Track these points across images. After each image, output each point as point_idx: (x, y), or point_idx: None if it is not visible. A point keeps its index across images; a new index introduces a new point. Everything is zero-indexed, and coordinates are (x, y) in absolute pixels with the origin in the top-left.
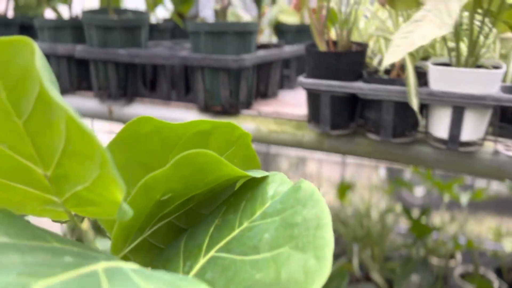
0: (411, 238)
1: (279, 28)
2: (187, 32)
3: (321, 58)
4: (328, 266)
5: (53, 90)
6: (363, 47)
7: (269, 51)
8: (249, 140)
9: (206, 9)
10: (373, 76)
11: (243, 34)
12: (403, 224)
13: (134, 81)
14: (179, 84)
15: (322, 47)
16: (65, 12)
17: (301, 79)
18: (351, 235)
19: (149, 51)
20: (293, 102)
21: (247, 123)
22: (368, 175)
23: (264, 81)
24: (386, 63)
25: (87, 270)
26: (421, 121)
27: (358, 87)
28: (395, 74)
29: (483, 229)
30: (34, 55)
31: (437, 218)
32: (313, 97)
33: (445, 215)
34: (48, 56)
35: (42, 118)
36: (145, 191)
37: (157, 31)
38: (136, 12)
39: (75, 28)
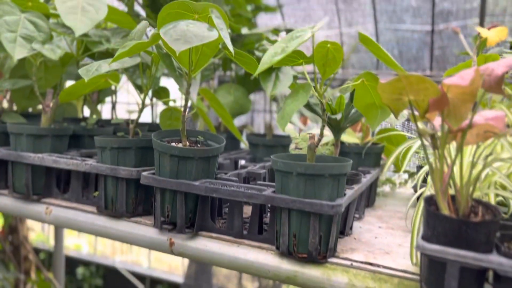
0: None
1: (341, 149)
2: (236, 142)
3: (447, 224)
4: None
5: None
6: (494, 213)
7: (352, 189)
8: None
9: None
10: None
11: (338, 176)
12: None
13: (203, 213)
14: (253, 221)
15: (444, 209)
16: (106, 113)
17: (423, 244)
18: None
19: (229, 188)
20: (376, 245)
21: (338, 276)
22: None
23: (342, 220)
24: None
25: None
26: None
27: (498, 262)
28: None
29: None
30: None
31: None
32: (435, 264)
33: None
34: (106, 177)
35: None
36: None
37: None
38: (208, 136)
39: (139, 149)
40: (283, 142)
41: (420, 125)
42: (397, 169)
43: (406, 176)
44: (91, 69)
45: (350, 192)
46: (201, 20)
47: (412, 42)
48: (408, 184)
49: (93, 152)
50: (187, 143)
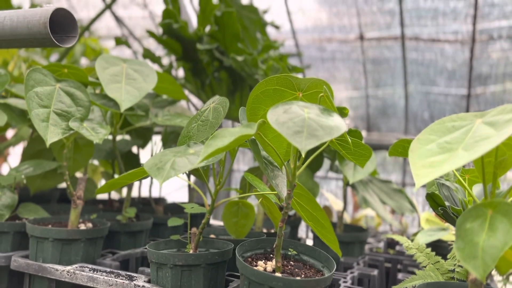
0: None
1: None
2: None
3: None
4: None
5: None
6: None
7: None
8: None
9: None
10: None
11: None
12: None
13: None
14: None
15: None
16: None
17: None
18: None
19: None
20: None
21: None
22: None
23: None
24: None
25: None
26: None
27: None
28: None
29: None
30: None
31: None
32: None
33: None
34: None
35: None
36: None
37: None
38: (301, 248)
39: (209, 267)
40: (360, 238)
41: None
42: None
43: None
44: (164, 167)
45: None
46: (306, 99)
47: (445, 105)
48: None
49: (132, 255)
50: (280, 263)
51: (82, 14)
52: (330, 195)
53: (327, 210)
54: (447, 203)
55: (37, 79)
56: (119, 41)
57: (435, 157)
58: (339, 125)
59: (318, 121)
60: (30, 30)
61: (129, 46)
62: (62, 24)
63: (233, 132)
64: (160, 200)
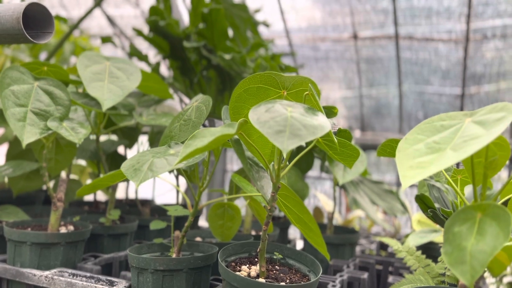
0: None
1: None
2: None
3: None
4: None
5: None
6: None
7: None
8: None
9: None
10: None
11: None
12: None
13: None
14: None
15: None
16: None
17: None
18: None
19: None
20: None
21: None
22: None
23: None
24: None
25: None
26: None
27: None
28: None
29: None
30: None
31: None
32: None
33: None
34: None
35: None
36: None
37: None
38: (287, 252)
39: (192, 271)
40: (350, 240)
41: None
42: None
43: None
44: (141, 169)
45: None
46: (291, 98)
47: (440, 105)
48: None
49: (116, 258)
50: (265, 268)
51: (74, 13)
52: (322, 195)
53: (319, 211)
54: (437, 205)
55: (13, 77)
56: (106, 39)
57: (422, 158)
58: (323, 124)
59: (302, 120)
60: (3, 26)
61: (115, 44)
62: (38, 19)
63: (213, 132)
64: (147, 202)
